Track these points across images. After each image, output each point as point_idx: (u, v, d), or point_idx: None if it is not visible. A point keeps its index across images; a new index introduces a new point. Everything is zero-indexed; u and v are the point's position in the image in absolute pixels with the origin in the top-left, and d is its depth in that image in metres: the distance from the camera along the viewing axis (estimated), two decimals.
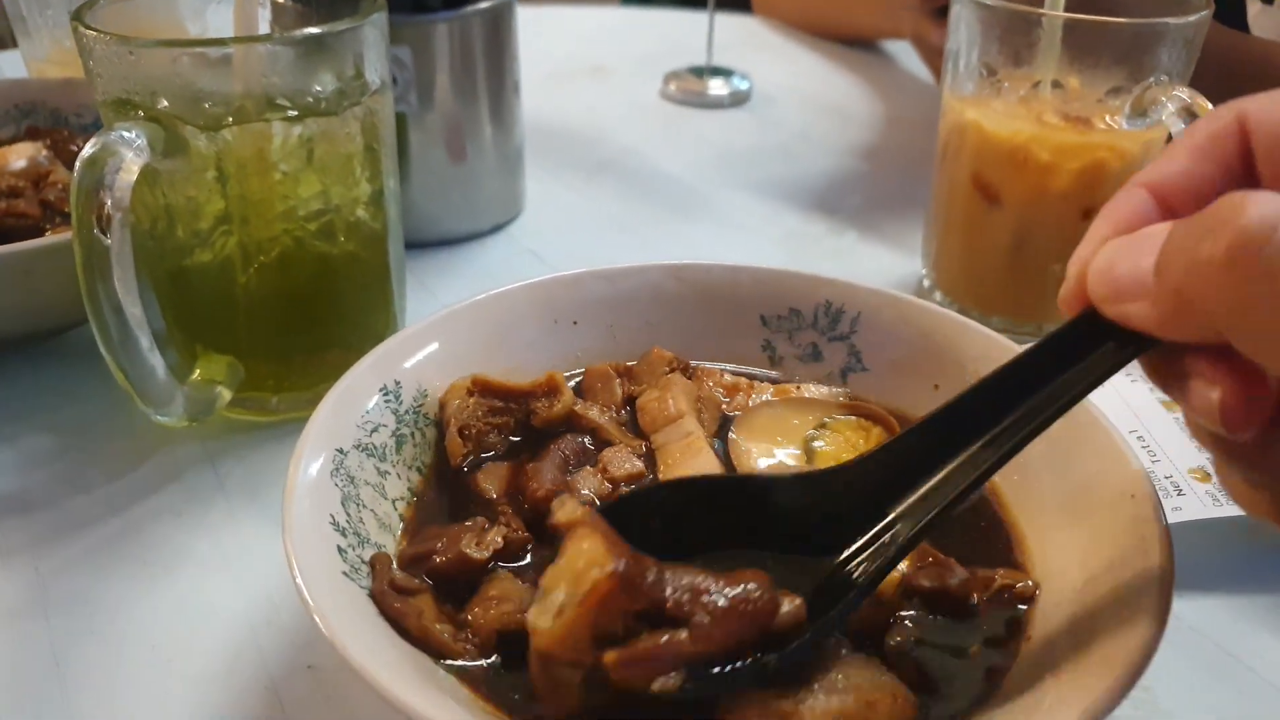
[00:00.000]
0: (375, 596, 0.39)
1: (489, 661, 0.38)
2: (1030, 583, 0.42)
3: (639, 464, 0.47)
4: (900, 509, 0.37)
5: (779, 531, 0.39)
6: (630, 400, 0.52)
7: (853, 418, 0.50)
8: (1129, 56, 0.61)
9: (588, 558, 0.33)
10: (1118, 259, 0.31)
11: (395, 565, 0.41)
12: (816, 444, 0.49)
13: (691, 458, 0.47)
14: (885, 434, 0.50)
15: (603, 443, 0.49)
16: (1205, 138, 0.32)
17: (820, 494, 0.39)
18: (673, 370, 0.53)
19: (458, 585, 0.41)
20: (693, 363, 0.54)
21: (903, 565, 0.41)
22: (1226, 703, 0.44)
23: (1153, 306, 0.29)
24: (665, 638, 0.33)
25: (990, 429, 0.36)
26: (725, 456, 0.48)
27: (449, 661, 0.38)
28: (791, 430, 0.49)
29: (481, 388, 0.49)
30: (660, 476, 0.47)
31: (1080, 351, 0.34)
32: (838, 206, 0.89)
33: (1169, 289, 0.28)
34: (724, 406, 0.52)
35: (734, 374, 0.54)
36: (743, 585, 0.34)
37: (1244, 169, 0.32)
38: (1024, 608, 0.41)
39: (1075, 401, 0.34)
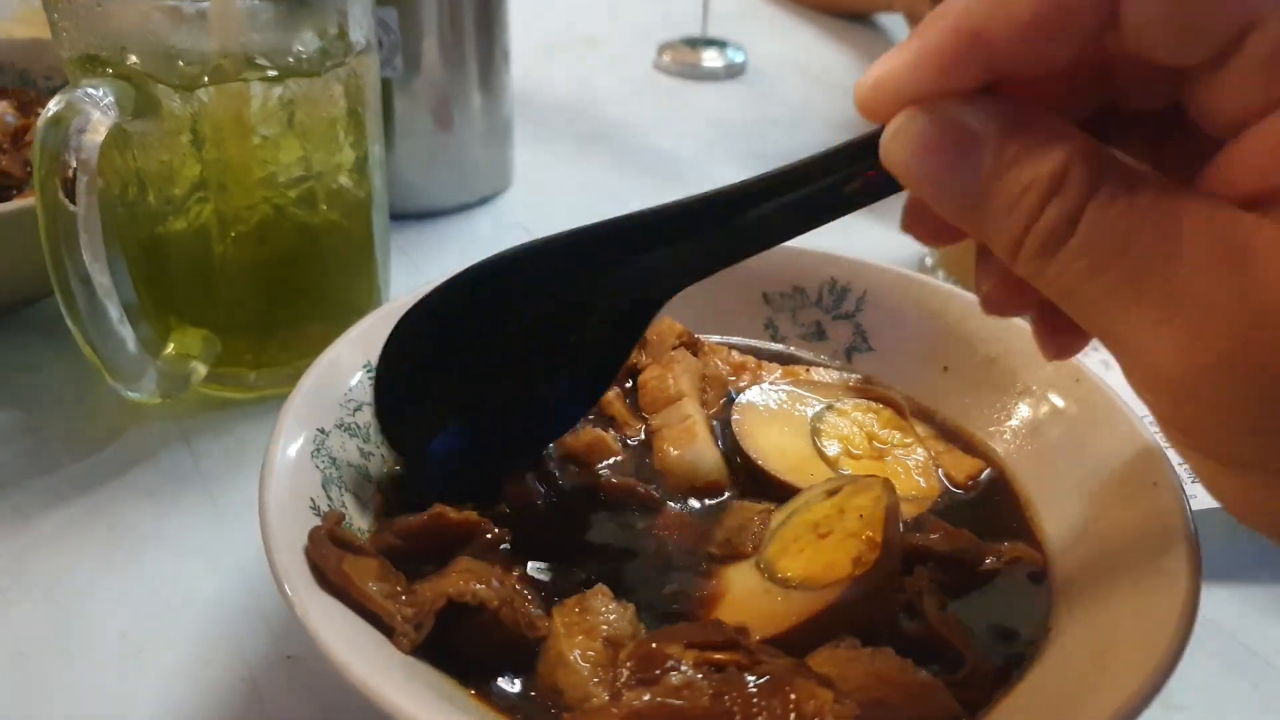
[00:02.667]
0: (306, 549, 0.35)
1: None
2: (1039, 556, 0.40)
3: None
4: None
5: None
6: (634, 372, 0.50)
7: (861, 400, 0.48)
8: None
9: None
10: (928, 154, 0.29)
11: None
12: (823, 426, 0.46)
13: (688, 443, 0.45)
14: (895, 416, 0.47)
15: (604, 419, 0.47)
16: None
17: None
18: (680, 345, 0.51)
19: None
20: (702, 338, 0.52)
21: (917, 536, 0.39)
22: (1242, 695, 0.43)
23: (955, 214, 0.29)
24: None
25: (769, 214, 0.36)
26: (730, 438, 0.46)
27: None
28: (796, 413, 0.47)
29: None
30: (654, 463, 0.45)
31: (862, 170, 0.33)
32: None
33: (978, 237, 0.29)
34: (730, 385, 0.50)
35: (743, 352, 0.52)
36: None
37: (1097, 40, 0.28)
38: (1042, 597, 0.39)
39: (851, 208, 0.34)
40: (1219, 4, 0.25)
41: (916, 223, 0.34)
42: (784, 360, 0.52)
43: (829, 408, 0.48)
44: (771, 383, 0.49)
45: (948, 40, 0.27)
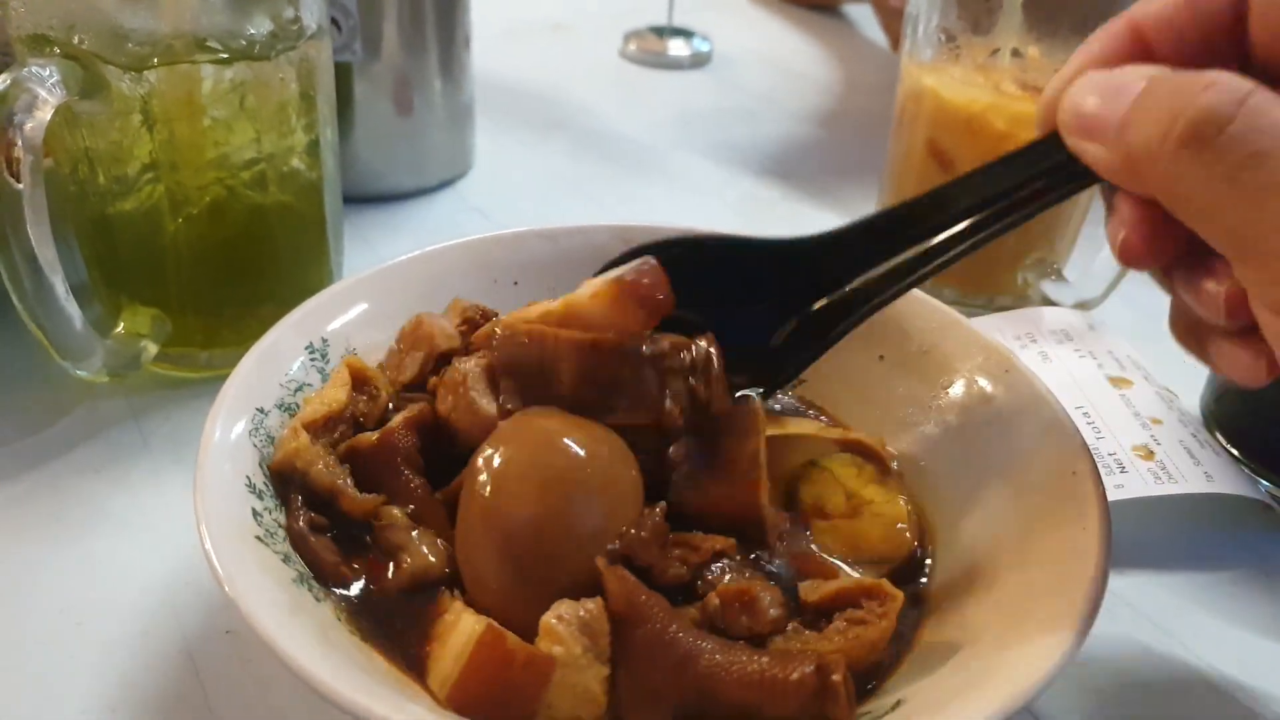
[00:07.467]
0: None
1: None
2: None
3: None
4: (868, 276, 0.41)
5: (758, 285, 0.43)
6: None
7: (845, 454, 0.47)
8: (1089, 26, 0.59)
9: None
10: (1090, 96, 0.33)
11: None
12: (803, 483, 0.46)
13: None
14: (877, 473, 0.46)
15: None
16: None
17: (792, 260, 0.42)
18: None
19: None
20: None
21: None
22: (1159, 678, 0.44)
23: (1108, 154, 0.32)
24: None
25: (952, 225, 0.39)
26: None
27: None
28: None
29: (311, 428, 0.42)
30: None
31: (1041, 168, 0.37)
32: (794, 171, 0.88)
33: (1123, 149, 0.31)
34: None
35: None
36: None
37: (1233, 19, 0.33)
38: (924, 581, 0.41)
39: (1029, 213, 0.37)
40: None
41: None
42: None
43: (812, 463, 0.46)
44: None
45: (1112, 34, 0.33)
